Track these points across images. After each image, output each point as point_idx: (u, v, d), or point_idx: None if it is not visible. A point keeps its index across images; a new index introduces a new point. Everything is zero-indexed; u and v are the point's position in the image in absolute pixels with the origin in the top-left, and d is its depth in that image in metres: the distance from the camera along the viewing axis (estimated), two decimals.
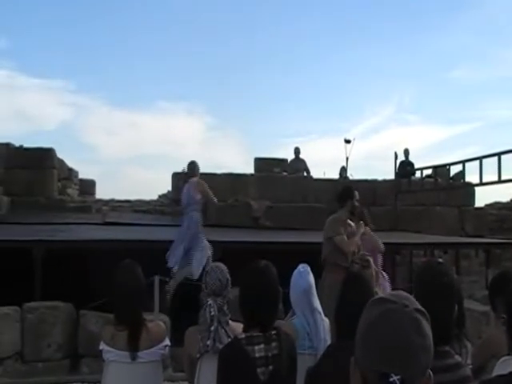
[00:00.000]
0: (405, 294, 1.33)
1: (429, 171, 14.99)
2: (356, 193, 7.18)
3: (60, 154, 14.80)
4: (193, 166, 8.64)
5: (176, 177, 14.32)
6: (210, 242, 8.70)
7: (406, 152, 16.03)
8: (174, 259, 8.07)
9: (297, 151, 16.02)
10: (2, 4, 34.40)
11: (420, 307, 1.28)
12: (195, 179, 8.51)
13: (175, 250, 8.10)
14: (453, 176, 14.64)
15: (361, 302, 2.19)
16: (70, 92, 42.76)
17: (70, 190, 15.61)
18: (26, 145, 14.18)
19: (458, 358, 2.21)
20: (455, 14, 40.08)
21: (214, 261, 4.31)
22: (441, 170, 14.42)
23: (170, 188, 15.42)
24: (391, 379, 1.19)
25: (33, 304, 7.74)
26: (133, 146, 39.70)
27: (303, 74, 42.92)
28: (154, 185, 41.41)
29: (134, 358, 3.44)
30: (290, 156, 16.25)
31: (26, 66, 40.66)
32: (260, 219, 13.36)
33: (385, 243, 11.22)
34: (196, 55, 41.81)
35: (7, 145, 13.89)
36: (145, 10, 40.07)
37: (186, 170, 8.70)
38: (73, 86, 47.38)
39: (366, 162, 33.25)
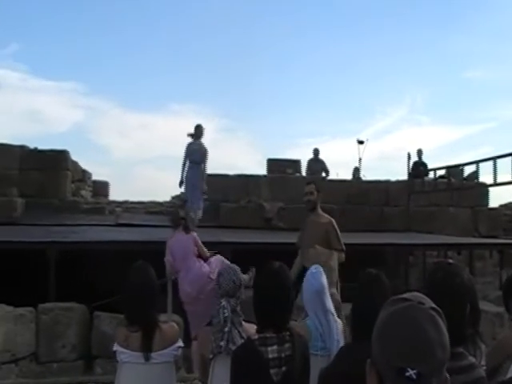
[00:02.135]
0: (421, 294, 1.34)
1: (442, 172, 14.92)
2: (307, 186, 6.76)
3: (74, 156, 14.89)
4: (200, 128, 10.61)
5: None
6: (223, 243, 8.89)
7: (420, 152, 15.98)
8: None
9: (316, 152, 16.02)
10: (15, 8, 34.71)
11: (436, 306, 1.29)
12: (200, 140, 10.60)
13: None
14: (466, 176, 14.57)
15: (377, 304, 2.19)
16: (82, 94, 43.03)
17: (83, 192, 15.68)
18: (40, 147, 14.27)
19: (471, 359, 2.19)
20: (468, 15, 39.96)
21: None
22: (454, 170, 14.34)
23: (182, 189, 15.44)
24: (407, 374, 1.19)
25: (47, 305, 7.79)
26: (145, 148, 39.86)
27: (315, 74, 42.92)
28: (167, 186, 41.49)
29: (147, 358, 3.46)
30: (304, 157, 16.26)
31: (38, 68, 41.05)
32: (272, 220, 13.36)
33: (398, 244, 11.26)
34: (207, 57, 41.93)
35: (22, 147, 13.98)
36: (155, 12, 40.24)
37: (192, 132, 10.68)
38: (85, 89, 47.67)
39: (379, 162, 33.15)
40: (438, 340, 1.23)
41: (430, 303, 1.30)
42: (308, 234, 6.65)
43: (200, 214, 10.33)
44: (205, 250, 7.30)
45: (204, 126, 10.73)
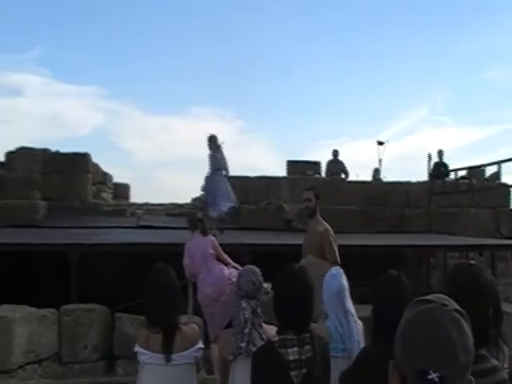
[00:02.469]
0: (444, 296, 1.32)
1: (463, 172, 14.79)
2: (306, 193, 6.67)
3: (95, 159, 15.02)
4: (216, 137, 11.06)
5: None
6: (242, 244, 8.96)
7: (440, 153, 15.86)
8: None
9: (335, 153, 15.98)
10: (38, 13, 35.15)
11: (459, 308, 1.27)
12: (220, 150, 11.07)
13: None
14: (488, 177, 14.42)
15: (397, 305, 2.18)
16: (103, 97, 43.41)
17: (104, 194, 15.80)
18: (62, 150, 14.42)
19: (494, 361, 2.17)
20: (489, 15, 39.57)
21: (246, 264, 4.40)
22: (476, 170, 14.22)
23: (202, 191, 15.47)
24: (430, 376, 1.18)
25: (69, 306, 7.85)
26: (166, 150, 40.16)
27: (335, 76, 42.82)
28: (187, 188, 41.73)
29: (168, 360, 3.47)
30: (323, 158, 16.22)
31: (60, 72, 41.53)
32: (293, 222, 13.33)
33: (418, 245, 11.18)
34: (227, 59, 42.03)
35: (44, 150, 14.15)
36: (175, 17, 40.42)
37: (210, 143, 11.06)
38: (105, 92, 48.10)
39: (399, 163, 32.99)
40: (461, 342, 1.21)
41: (453, 305, 1.28)
42: (305, 242, 6.60)
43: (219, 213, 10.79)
44: (224, 254, 7.29)
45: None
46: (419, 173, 15.95)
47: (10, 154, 14.21)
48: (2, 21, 38.07)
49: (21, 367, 7.19)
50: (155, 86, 42.00)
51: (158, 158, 41.36)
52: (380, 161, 16.74)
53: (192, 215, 7.94)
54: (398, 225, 13.99)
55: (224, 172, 11.00)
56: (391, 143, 17.72)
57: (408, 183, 15.38)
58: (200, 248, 7.14)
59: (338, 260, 6.23)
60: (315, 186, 7.23)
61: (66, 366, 7.63)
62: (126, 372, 7.29)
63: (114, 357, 7.76)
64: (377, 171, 16.74)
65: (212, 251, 7.17)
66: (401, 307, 1.37)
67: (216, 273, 6.97)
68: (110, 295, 8.11)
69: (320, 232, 6.42)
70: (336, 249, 6.35)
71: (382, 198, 14.49)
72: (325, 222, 6.57)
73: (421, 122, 44.39)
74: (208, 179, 11.00)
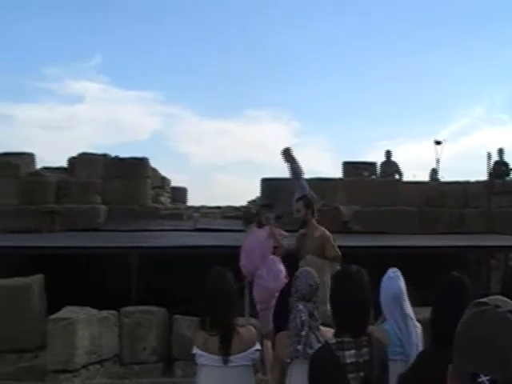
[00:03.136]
0: (503, 298, 1.30)
1: None
2: (295, 204, 7.01)
3: (153, 163, 15.26)
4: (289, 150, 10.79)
5: (265, 183, 14.42)
6: None
7: (501, 152, 15.43)
8: None
9: (388, 154, 15.74)
10: (97, 23, 36.08)
11: None
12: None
13: None
14: None
15: (457, 308, 2.15)
16: (160, 102, 44.13)
17: (162, 198, 16.03)
18: (122, 155, 14.71)
19: None
20: None
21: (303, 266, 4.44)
22: None
23: (258, 194, 15.53)
24: (480, 380, 1.16)
25: (129, 308, 8.02)
26: (222, 154, 40.46)
27: (390, 76, 42.25)
28: (244, 191, 42.00)
29: (225, 362, 3.51)
30: (379, 159, 16.02)
31: (118, 79, 42.53)
32: (349, 223, 13.22)
33: (478, 246, 10.93)
34: (283, 61, 42.07)
35: (104, 155, 14.47)
36: (228, 21, 40.73)
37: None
38: (162, 97, 48.87)
39: (457, 163, 32.24)
40: None
41: (508, 307, 1.24)
42: (303, 247, 6.76)
43: None
44: (281, 243, 7.07)
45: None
46: (478, 172, 15.59)
47: (72, 160, 14.60)
48: (62, 32, 39.32)
49: (84, 367, 7.38)
50: (211, 90, 42.46)
51: (214, 161, 41.73)
52: (437, 160, 16.43)
53: (248, 211, 7.90)
54: (456, 225, 13.68)
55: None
56: (449, 143, 17.32)
57: (467, 183, 15.04)
58: (257, 240, 6.92)
59: (339, 253, 6.46)
60: (306, 195, 7.27)
61: (127, 366, 7.79)
62: (185, 373, 7.38)
63: (173, 358, 7.87)
64: (434, 171, 16.42)
65: (269, 240, 6.93)
66: (461, 310, 1.36)
67: (277, 268, 6.81)
68: (169, 297, 8.24)
69: (319, 235, 6.70)
70: (336, 246, 6.61)
71: (439, 199, 14.22)
72: (321, 227, 6.86)
73: (479, 121, 43.41)
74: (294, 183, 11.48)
